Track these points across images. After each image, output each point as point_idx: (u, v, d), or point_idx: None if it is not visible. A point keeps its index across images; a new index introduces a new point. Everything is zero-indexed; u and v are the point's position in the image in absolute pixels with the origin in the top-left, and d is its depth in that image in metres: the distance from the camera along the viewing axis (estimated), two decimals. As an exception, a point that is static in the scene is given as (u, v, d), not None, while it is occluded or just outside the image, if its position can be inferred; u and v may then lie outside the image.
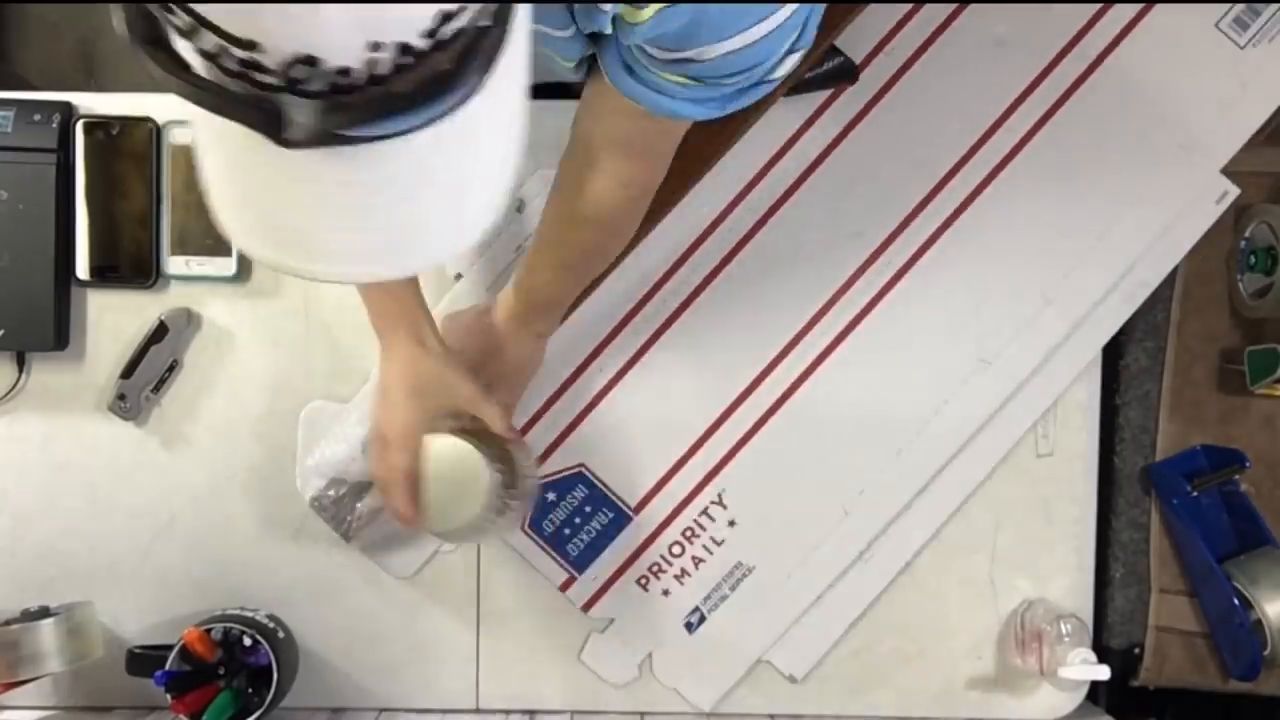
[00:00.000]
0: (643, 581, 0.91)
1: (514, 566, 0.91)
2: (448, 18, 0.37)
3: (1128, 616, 0.94)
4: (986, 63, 0.91)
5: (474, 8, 0.38)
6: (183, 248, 0.89)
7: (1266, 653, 0.88)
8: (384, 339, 0.77)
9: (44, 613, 0.85)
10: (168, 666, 0.81)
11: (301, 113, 0.36)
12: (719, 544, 0.91)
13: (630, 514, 0.91)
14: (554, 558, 0.90)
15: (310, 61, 0.36)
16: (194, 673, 0.82)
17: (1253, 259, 0.91)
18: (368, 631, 0.91)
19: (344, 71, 0.36)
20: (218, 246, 0.89)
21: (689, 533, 0.91)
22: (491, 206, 0.46)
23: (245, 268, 0.90)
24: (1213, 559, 0.90)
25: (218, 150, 0.43)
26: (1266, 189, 0.94)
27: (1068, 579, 0.93)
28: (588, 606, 0.91)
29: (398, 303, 0.76)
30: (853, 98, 0.91)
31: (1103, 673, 0.84)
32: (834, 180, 0.91)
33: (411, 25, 0.36)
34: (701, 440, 0.91)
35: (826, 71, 0.89)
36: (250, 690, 0.83)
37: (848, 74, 0.90)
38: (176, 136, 0.89)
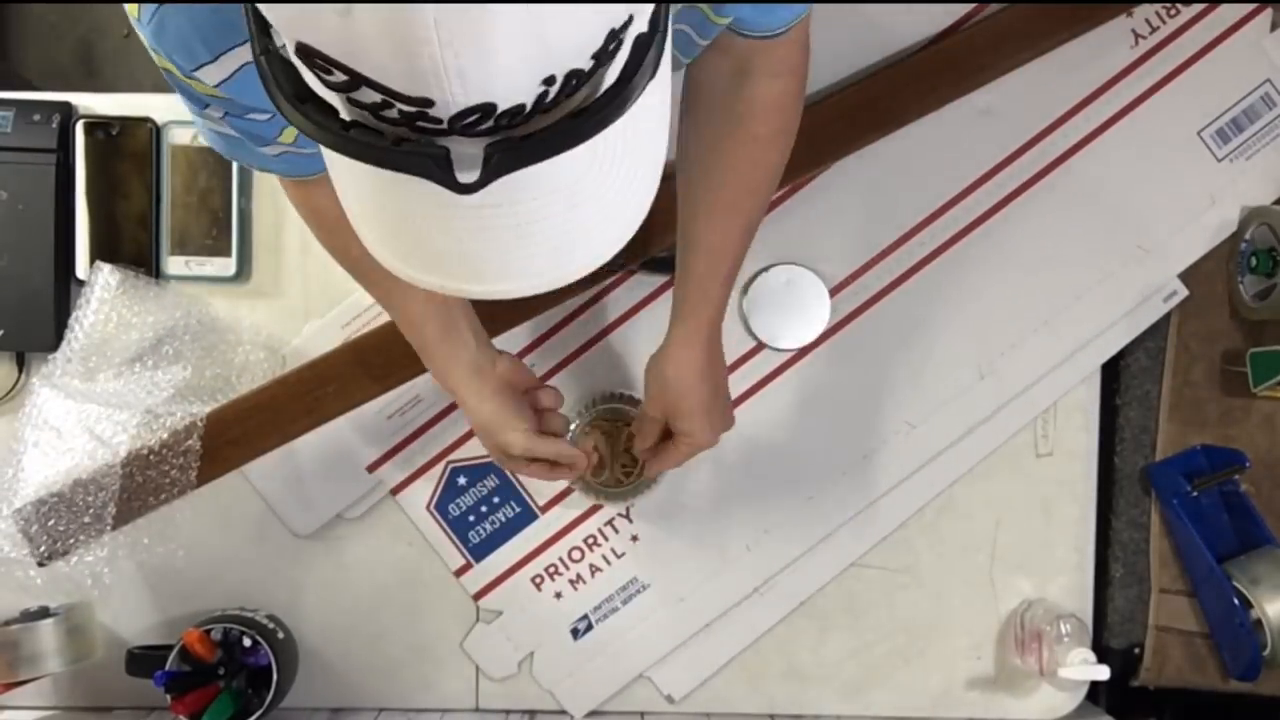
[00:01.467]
0: (537, 580, 0.91)
1: (419, 545, 0.91)
2: (615, 35, 0.36)
3: (1128, 616, 0.94)
4: (969, 129, 0.91)
5: (639, 17, 0.36)
6: (183, 248, 0.89)
7: (1266, 653, 0.88)
8: (447, 379, 0.76)
9: (44, 613, 0.86)
10: (167, 667, 0.81)
11: (469, 154, 0.35)
12: (618, 556, 0.91)
13: (537, 512, 0.91)
14: (454, 542, 0.90)
15: (485, 109, 0.35)
16: (194, 673, 0.82)
17: (1253, 261, 0.91)
18: (368, 631, 0.91)
19: (516, 109, 0.35)
20: (217, 246, 0.89)
21: (591, 540, 0.91)
22: (645, 202, 0.44)
23: (245, 268, 0.90)
24: (1213, 559, 0.90)
25: (361, 182, 0.41)
26: (1266, 189, 0.94)
27: (1068, 579, 0.93)
28: (479, 595, 0.91)
29: (452, 338, 0.75)
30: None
31: (1103, 673, 0.84)
32: (802, 216, 0.91)
33: (583, 51, 0.35)
34: None
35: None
36: (250, 690, 0.83)
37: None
38: (176, 136, 0.89)
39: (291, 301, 0.91)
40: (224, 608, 0.89)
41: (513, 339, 0.88)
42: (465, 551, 0.91)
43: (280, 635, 0.86)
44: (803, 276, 0.91)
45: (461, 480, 0.90)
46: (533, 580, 0.91)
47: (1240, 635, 0.88)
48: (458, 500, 0.91)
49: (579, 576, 0.91)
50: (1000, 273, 0.92)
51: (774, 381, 0.91)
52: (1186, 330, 0.93)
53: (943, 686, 0.93)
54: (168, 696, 0.81)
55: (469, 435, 0.90)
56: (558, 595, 0.91)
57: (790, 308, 0.91)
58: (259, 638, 0.83)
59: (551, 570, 0.91)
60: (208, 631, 0.83)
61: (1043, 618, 0.89)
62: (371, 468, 0.90)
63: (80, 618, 0.87)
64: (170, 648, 0.82)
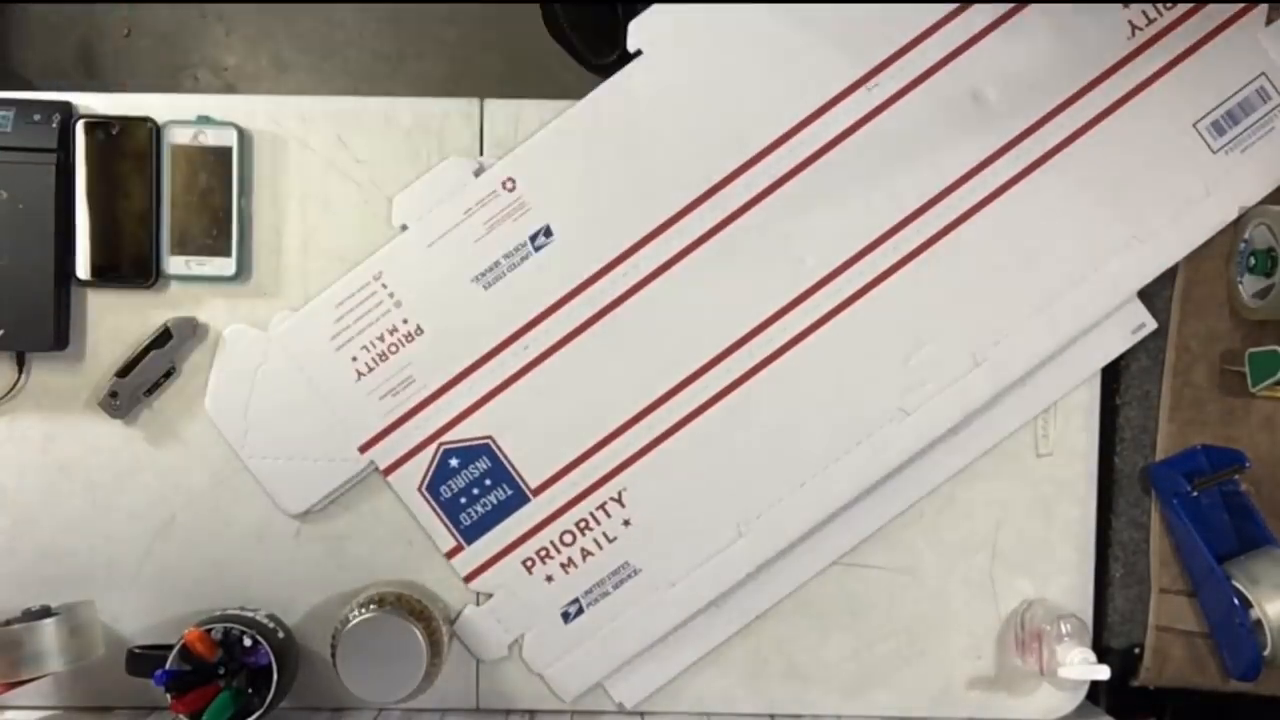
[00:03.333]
0: (528, 564, 0.91)
1: (412, 532, 0.91)
2: None
3: (1128, 616, 0.94)
4: (962, 116, 0.91)
5: None
6: (183, 248, 0.89)
7: (1266, 653, 0.88)
8: None
9: (45, 612, 0.85)
10: (168, 666, 0.82)
11: None
12: (610, 540, 0.91)
13: (529, 495, 0.91)
14: (445, 524, 0.91)
15: None
16: (194, 673, 0.82)
17: (1252, 260, 0.91)
18: (368, 631, 0.91)
19: None
20: (218, 246, 0.89)
21: (583, 524, 0.91)
22: None
23: (245, 268, 0.90)
24: (1213, 559, 0.90)
25: None
26: (1267, 189, 0.94)
27: (1068, 579, 0.93)
28: (470, 578, 0.91)
29: None
30: (825, 126, 0.90)
31: (1103, 673, 0.84)
32: (791, 201, 0.90)
33: None
34: (614, 435, 0.91)
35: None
36: (250, 690, 0.83)
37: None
38: (176, 136, 0.89)
39: (291, 301, 0.91)
40: (224, 607, 0.89)
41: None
42: (456, 534, 0.91)
43: (280, 635, 0.86)
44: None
45: (454, 462, 0.90)
46: (524, 563, 0.91)
47: (1240, 635, 0.88)
48: (450, 482, 0.90)
49: (570, 560, 0.91)
50: (994, 260, 0.91)
51: (767, 367, 0.91)
52: (1186, 330, 0.94)
53: (943, 686, 0.93)
54: (168, 696, 0.81)
55: (462, 416, 0.90)
56: (549, 579, 0.91)
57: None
58: (259, 637, 0.83)
59: (543, 553, 0.91)
60: (208, 631, 0.83)
61: (1043, 618, 0.89)
62: (364, 448, 0.90)
63: (82, 617, 0.87)
64: (170, 647, 0.83)
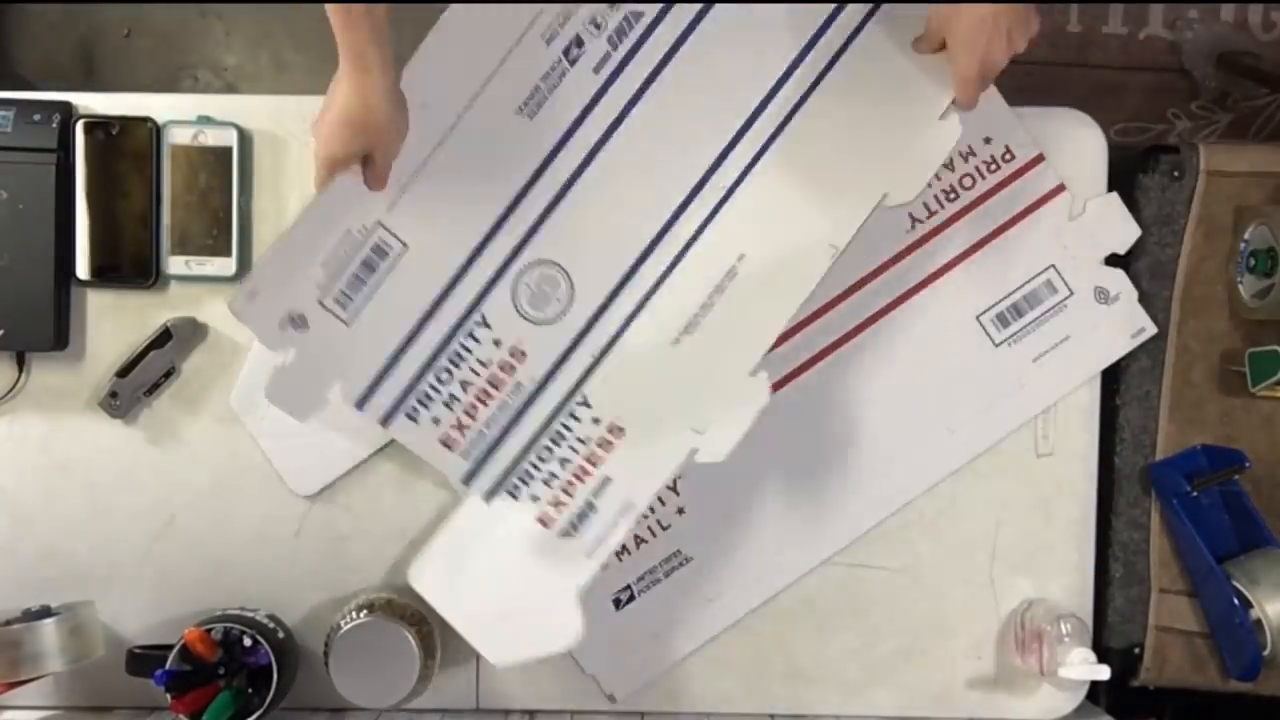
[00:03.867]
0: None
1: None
2: None
3: (1128, 616, 0.94)
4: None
5: None
6: (183, 248, 0.89)
7: (1266, 653, 0.88)
8: (359, 59, 0.71)
9: (46, 612, 0.86)
10: (168, 666, 0.82)
11: None
12: (664, 529, 0.91)
13: None
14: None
15: None
16: (194, 673, 0.82)
17: (1252, 260, 0.91)
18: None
19: None
20: (218, 246, 0.89)
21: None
22: None
23: (245, 268, 0.90)
24: (1213, 559, 0.90)
25: None
26: (1267, 190, 0.94)
27: (1068, 579, 0.93)
28: None
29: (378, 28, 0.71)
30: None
31: (1103, 673, 0.84)
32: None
33: None
34: None
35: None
36: (250, 690, 0.83)
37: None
38: (176, 136, 0.89)
39: (292, 301, 0.90)
40: (224, 607, 0.89)
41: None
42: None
43: (280, 635, 0.86)
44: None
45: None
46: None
47: (1240, 635, 0.88)
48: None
49: (624, 547, 0.90)
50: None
51: (815, 367, 0.91)
52: (1186, 330, 0.94)
53: (943, 686, 0.93)
54: (168, 696, 0.81)
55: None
56: (603, 566, 0.84)
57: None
58: (259, 637, 0.83)
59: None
60: (208, 631, 0.83)
61: (1043, 618, 0.89)
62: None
63: (82, 617, 0.87)
64: (170, 647, 0.83)
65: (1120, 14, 1.39)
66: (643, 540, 0.91)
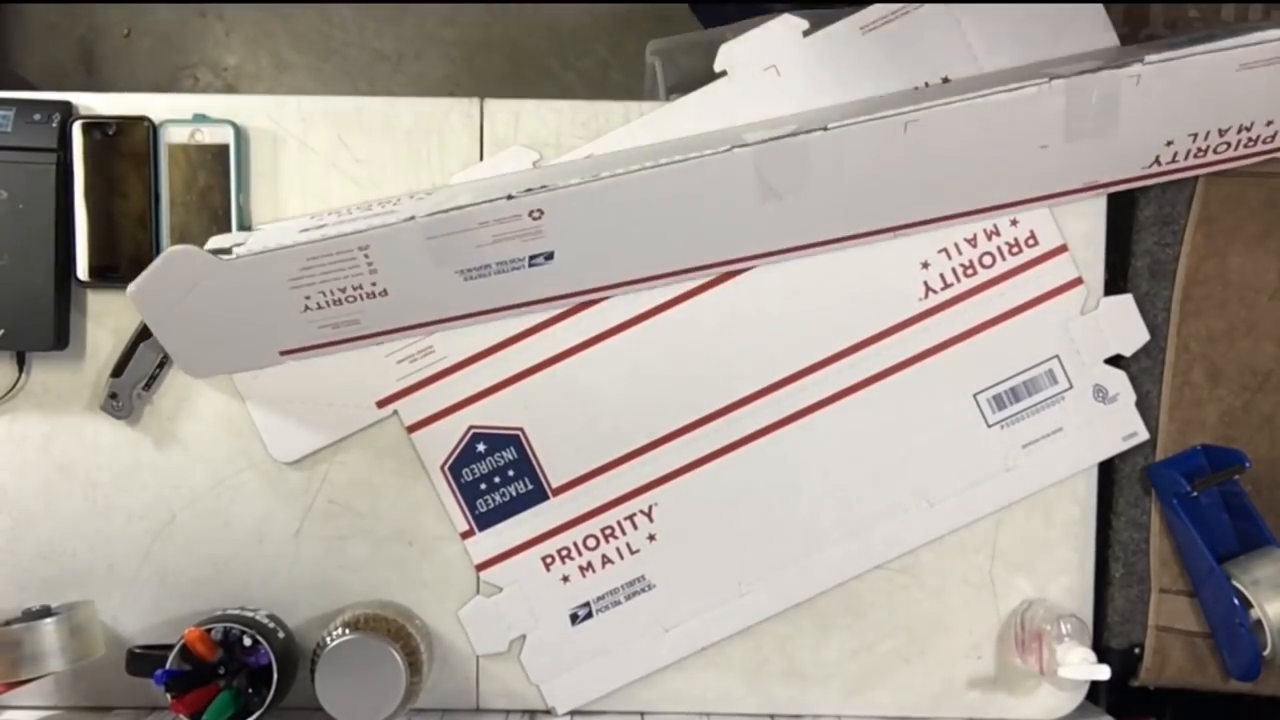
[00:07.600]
0: (547, 560, 0.91)
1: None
2: None
3: (1128, 616, 0.94)
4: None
5: None
6: (183, 248, 0.89)
7: (1266, 653, 0.88)
8: None
9: (46, 612, 0.86)
10: (168, 666, 0.82)
11: None
12: (633, 553, 0.91)
13: (548, 493, 0.91)
14: (462, 507, 0.91)
15: None
16: (194, 672, 0.82)
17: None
18: (368, 631, 0.91)
19: None
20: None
21: (609, 532, 0.91)
22: None
23: (245, 268, 0.90)
24: (1213, 559, 0.90)
25: None
26: (1267, 190, 0.93)
27: (1068, 579, 0.93)
28: (483, 567, 0.91)
29: None
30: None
31: (1103, 673, 0.84)
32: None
33: None
34: (653, 445, 0.91)
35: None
36: (250, 690, 0.83)
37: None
38: (174, 135, 0.89)
39: (291, 301, 0.90)
40: (224, 607, 0.89)
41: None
42: (470, 518, 0.91)
43: (280, 635, 0.86)
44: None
45: (481, 447, 0.90)
46: (543, 560, 0.91)
47: (1240, 635, 0.88)
48: (472, 466, 0.91)
49: (589, 564, 0.91)
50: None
51: (806, 417, 0.91)
52: (1186, 330, 0.93)
53: (943, 686, 0.93)
54: (168, 696, 0.81)
55: (487, 392, 0.90)
56: (565, 579, 0.91)
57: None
58: (259, 637, 0.83)
59: (564, 554, 0.91)
60: (208, 631, 0.83)
61: (1043, 618, 0.89)
62: (381, 404, 0.90)
63: (82, 617, 0.87)
64: (170, 647, 0.83)
65: (1120, 15, 1.39)
66: (609, 561, 0.91)
